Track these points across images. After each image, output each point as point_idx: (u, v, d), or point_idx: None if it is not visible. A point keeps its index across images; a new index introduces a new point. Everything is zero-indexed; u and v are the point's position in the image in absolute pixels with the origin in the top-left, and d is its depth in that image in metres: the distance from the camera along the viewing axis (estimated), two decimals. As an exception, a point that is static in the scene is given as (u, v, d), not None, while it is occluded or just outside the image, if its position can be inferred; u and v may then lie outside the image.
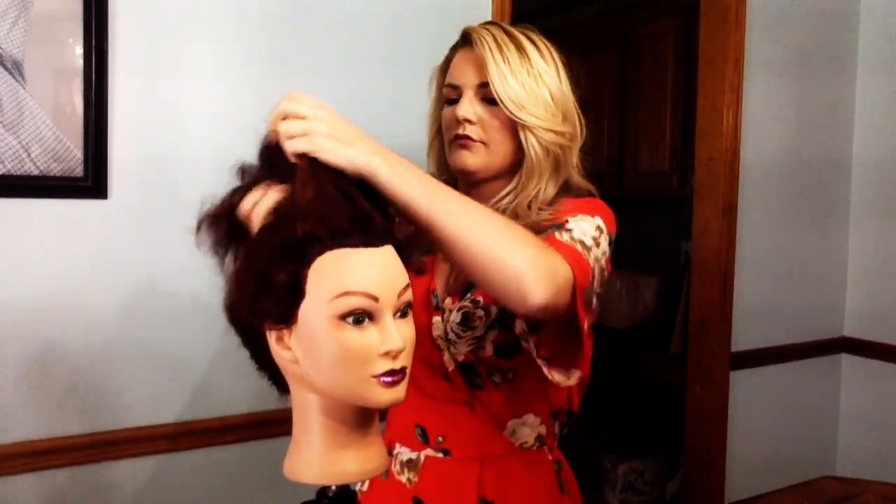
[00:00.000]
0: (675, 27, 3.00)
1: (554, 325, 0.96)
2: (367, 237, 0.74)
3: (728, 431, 2.45)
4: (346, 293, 0.71)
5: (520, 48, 1.06)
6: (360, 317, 0.72)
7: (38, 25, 1.40)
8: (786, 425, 2.60)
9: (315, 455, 0.78)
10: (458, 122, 1.08)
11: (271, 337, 0.75)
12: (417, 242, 0.83)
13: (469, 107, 1.07)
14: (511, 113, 1.05)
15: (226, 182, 0.92)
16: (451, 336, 1.08)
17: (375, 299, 0.72)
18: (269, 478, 1.60)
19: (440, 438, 1.12)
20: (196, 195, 0.91)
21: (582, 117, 1.12)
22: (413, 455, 1.13)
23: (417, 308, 0.88)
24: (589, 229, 1.02)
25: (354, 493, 0.82)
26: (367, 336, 0.72)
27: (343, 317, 0.71)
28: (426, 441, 1.13)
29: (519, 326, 0.99)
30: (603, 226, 1.05)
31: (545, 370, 0.98)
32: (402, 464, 1.14)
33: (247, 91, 1.61)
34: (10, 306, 1.41)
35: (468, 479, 1.10)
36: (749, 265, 2.45)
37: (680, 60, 2.98)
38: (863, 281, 2.66)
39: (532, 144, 1.06)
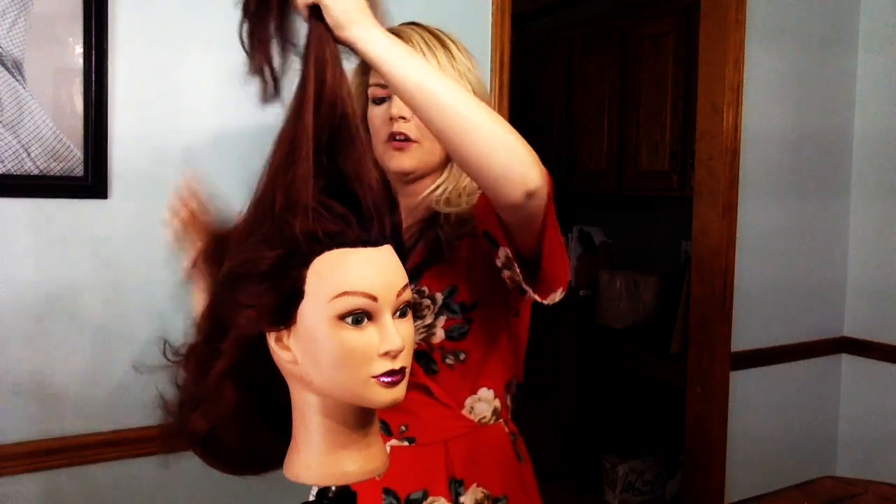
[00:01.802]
0: (675, 27, 3.00)
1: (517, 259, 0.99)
2: (366, 237, 0.74)
3: (728, 431, 2.45)
4: (345, 293, 0.71)
5: (444, 45, 1.09)
6: (360, 317, 0.72)
7: (38, 25, 1.40)
8: (786, 425, 2.59)
9: (315, 455, 0.78)
10: (392, 119, 1.09)
11: (270, 337, 0.75)
12: None
13: (403, 103, 1.08)
14: None
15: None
16: None
17: (374, 299, 0.72)
18: (271, 477, 1.60)
19: (403, 427, 1.13)
20: (196, 195, 0.91)
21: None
22: None
23: None
24: None
25: (354, 493, 0.82)
26: (367, 336, 0.72)
27: (342, 317, 0.71)
28: (389, 433, 1.14)
29: (503, 254, 0.99)
30: None
31: (530, 292, 1.00)
32: None
33: (248, 90, 1.61)
34: (10, 306, 1.41)
35: (436, 462, 1.12)
36: (749, 265, 2.45)
37: (680, 60, 2.98)
38: (863, 281, 2.65)
39: None
